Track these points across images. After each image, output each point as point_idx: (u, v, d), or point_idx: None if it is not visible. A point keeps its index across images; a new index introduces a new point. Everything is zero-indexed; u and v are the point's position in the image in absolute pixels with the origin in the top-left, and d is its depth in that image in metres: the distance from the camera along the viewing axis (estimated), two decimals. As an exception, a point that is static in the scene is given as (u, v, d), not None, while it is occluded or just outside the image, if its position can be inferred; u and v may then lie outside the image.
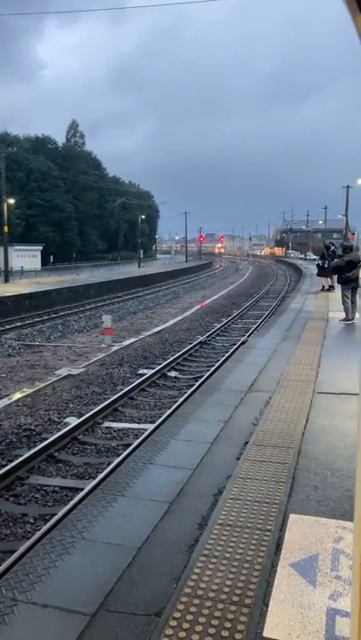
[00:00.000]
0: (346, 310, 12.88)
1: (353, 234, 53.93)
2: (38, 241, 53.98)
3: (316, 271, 22.84)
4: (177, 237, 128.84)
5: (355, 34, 1.53)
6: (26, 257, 46.80)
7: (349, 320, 12.69)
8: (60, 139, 73.87)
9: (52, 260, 54.13)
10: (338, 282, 13.52)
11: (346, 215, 53.78)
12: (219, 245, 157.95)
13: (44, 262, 50.63)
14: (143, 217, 73.61)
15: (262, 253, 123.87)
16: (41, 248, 51.17)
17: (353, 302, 12.77)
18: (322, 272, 20.54)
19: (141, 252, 64.39)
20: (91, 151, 77.64)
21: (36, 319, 21.34)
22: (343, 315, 13.00)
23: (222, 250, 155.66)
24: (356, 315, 12.85)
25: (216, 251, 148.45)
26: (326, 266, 18.91)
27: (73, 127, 76.07)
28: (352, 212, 54.41)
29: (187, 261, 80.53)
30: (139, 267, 57.55)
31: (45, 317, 21.94)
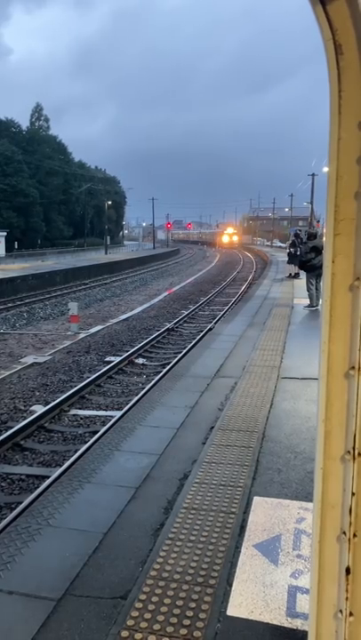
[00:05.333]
0: (310, 297, 13.14)
1: (318, 221, 54.62)
2: (2, 227, 52.86)
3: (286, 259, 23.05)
4: (144, 224, 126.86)
5: (315, 23, 1.56)
6: (-11, 243, 45.83)
7: (314, 307, 12.94)
8: (25, 122, 72.24)
9: (16, 247, 53.09)
10: (300, 268, 13.73)
11: (311, 203, 54.43)
12: (230, 231, 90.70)
13: (9, 248, 49.65)
14: (110, 203, 72.80)
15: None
16: (5, 234, 50.13)
17: (317, 289, 13.01)
18: (292, 259, 20.86)
19: (108, 238, 63.75)
20: (56, 135, 76.17)
21: (1, 307, 20.95)
22: (308, 301, 13.25)
23: (234, 238, 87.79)
24: (321, 301, 13.09)
25: (225, 239, 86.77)
26: (299, 253, 19.12)
27: (37, 111, 74.44)
28: (318, 200, 54.97)
29: (154, 248, 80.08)
30: (105, 253, 56.99)
31: (10, 305, 21.54)
